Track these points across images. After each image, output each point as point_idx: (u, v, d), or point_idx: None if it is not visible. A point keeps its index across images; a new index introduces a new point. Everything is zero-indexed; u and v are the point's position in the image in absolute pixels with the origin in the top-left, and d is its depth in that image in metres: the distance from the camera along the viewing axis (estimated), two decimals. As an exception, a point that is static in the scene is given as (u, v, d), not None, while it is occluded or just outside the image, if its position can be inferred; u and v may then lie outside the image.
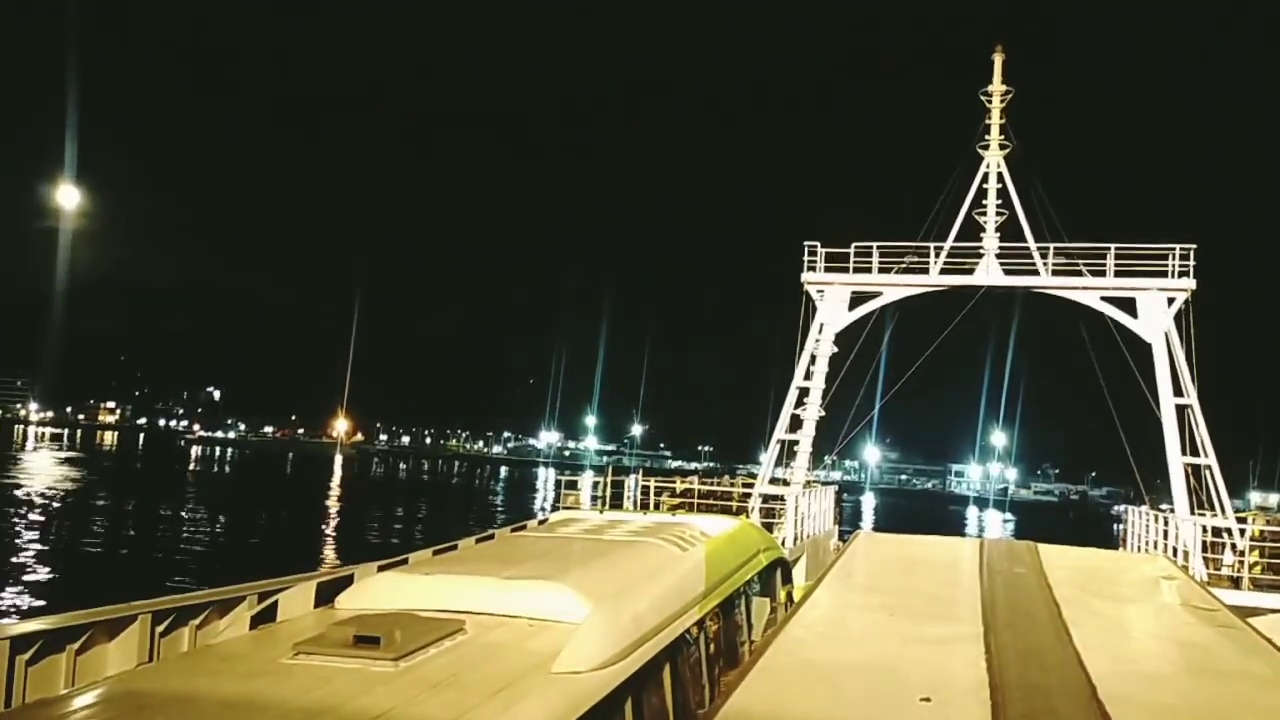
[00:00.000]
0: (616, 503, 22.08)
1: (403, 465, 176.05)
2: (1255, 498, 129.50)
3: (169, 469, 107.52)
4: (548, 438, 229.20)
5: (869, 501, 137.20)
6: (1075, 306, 25.10)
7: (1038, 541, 18.20)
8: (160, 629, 6.80)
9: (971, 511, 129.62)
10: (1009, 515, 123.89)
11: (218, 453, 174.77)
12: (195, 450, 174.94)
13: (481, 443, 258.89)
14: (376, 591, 7.56)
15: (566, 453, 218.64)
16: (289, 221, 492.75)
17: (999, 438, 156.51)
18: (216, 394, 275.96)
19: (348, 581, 7.99)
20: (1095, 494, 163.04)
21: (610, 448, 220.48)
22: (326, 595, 7.69)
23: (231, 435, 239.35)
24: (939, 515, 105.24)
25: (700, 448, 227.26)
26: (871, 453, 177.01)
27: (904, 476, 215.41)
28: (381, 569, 8.48)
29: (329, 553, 44.53)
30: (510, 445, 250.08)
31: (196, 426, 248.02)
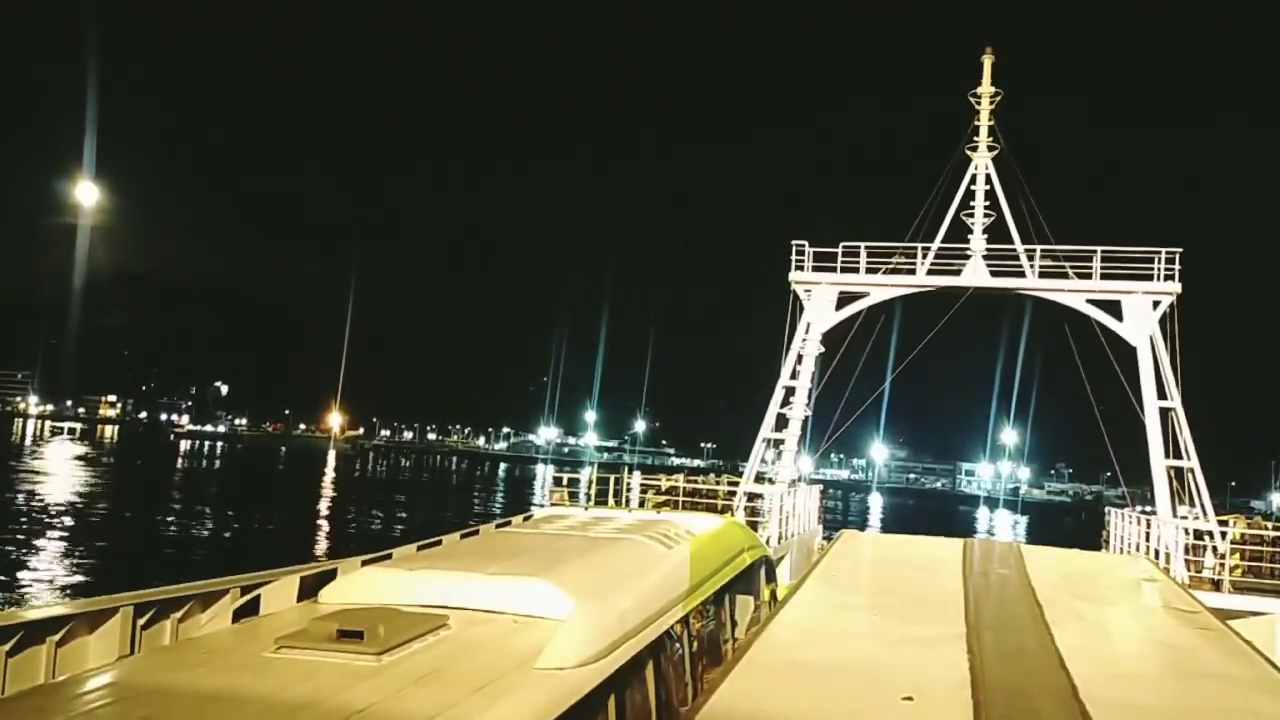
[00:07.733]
0: (603, 499, 22.07)
1: (404, 461, 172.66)
2: (1278, 499, 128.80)
3: (127, 467, 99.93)
4: (547, 434, 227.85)
5: (876, 502, 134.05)
6: (1066, 309, 25.10)
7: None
8: (142, 622, 6.76)
9: (982, 512, 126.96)
10: (1019, 516, 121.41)
11: (206, 448, 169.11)
12: (183, 445, 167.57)
13: (482, 438, 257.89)
14: (360, 586, 7.56)
15: (566, 449, 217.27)
16: (293, 219, 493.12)
17: (1010, 436, 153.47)
18: (224, 389, 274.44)
19: (331, 575, 7.97)
20: (1110, 494, 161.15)
21: (611, 444, 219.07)
22: (310, 589, 7.69)
23: (221, 429, 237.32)
24: (947, 516, 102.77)
25: (704, 445, 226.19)
26: (879, 451, 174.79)
27: (913, 475, 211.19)
28: (365, 563, 8.48)
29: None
30: (511, 441, 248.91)
31: (185, 420, 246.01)
